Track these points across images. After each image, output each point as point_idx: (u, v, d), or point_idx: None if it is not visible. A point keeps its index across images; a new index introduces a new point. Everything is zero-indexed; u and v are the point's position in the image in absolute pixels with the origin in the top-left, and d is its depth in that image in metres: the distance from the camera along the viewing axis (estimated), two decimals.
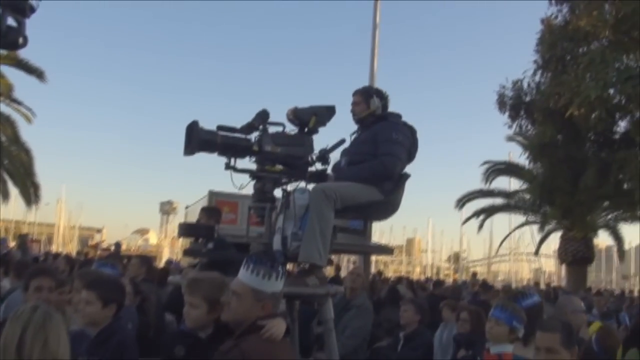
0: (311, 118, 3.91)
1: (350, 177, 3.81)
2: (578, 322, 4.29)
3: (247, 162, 3.85)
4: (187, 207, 15.61)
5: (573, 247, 19.78)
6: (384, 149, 3.82)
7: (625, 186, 15.09)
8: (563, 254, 20.09)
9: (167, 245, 57.06)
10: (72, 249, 41.22)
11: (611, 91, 11.41)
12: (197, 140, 3.54)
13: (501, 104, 15.95)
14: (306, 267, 3.61)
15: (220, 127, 3.73)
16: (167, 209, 70.59)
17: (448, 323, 5.77)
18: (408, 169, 4.03)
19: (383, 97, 4.13)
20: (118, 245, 18.82)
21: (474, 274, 27.18)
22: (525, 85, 15.72)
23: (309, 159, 3.92)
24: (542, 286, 25.10)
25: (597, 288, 22.91)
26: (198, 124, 3.57)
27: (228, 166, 3.71)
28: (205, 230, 4.15)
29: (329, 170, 4.08)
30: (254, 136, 3.81)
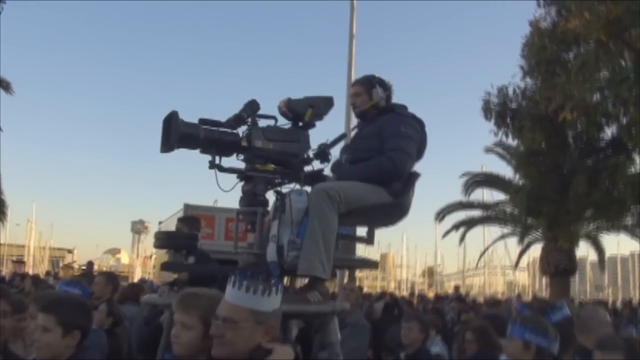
0: (307, 110, 3.44)
1: (354, 176, 3.35)
2: None
3: (235, 160, 3.34)
4: (160, 223, 15.01)
5: (555, 259, 19.49)
6: (392, 144, 3.38)
7: (615, 194, 14.80)
8: (545, 266, 19.79)
9: (139, 265, 55.95)
10: (43, 270, 40.02)
11: (605, 93, 11.10)
12: (177, 134, 3.04)
13: (486, 111, 15.64)
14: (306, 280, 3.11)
15: (202, 121, 3.21)
16: (138, 228, 69.42)
17: None
18: None
19: (387, 87, 3.69)
20: (90, 264, 17.99)
21: (457, 287, 26.83)
22: (511, 91, 15.43)
23: (305, 156, 3.40)
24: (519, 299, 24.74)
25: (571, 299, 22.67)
26: (178, 116, 3.06)
27: (213, 164, 3.21)
28: (187, 239, 3.59)
29: (327, 170, 3.56)
30: (241, 131, 3.30)
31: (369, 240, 3.64)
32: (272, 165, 3.33)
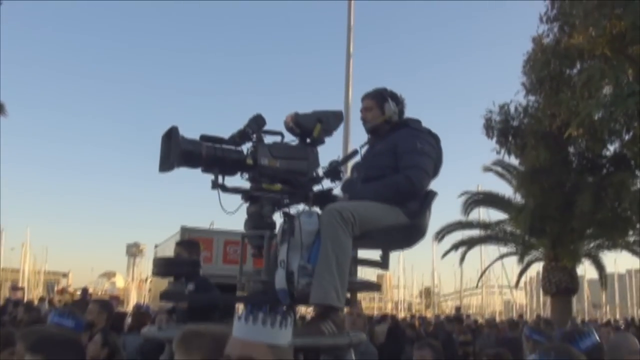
0: (315, 126, 3.18)
1: (369, 195, 3.13)
2: None
3: (238, 180, 3.12)
4: (156, 246, 14.69)
5: (557, 278, 19.33)
6: (407, 161, 3.17)
7: (619, 210, 14.60)
8: (547, 285, 19.59)
9: (134, 289, 55.39)
10: (38, 294, 39.56)
11: (612, 109, 10.95)
12: (178, 151, 2.80)
13: (488, 129, 15.48)
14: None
15: (204, 137, 2.98)
16: (133, 251, 69.01)
17: None
18: None
19: (399, 101, 3.48)
20: (85, 291, 17.49)
21: (458, 308, 26.45)
22: (512, 108, 15.29)
23: (314, 175, 3.16)
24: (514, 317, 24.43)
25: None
26: (178, 132, 2.82)
27: (215, 184, 2.96)
28: (188, 266, 3.32)
29: (337, 189, 3.32)
30: (246, 148, 3.06)
31: (384, 264, 3.39)
32: (280, 185, 3.09)
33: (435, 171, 3.34)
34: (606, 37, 11.30)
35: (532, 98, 14.80)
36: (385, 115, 3.40)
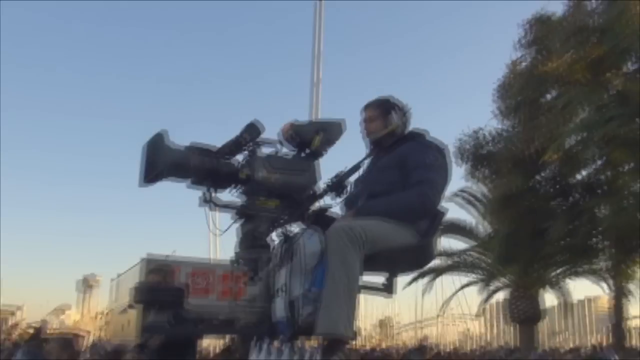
0: (315, 136, 2.84)
1: (379, 212, 2.83)
2: None
3: (229, 195, 2.79)
4: (117, 277, 14.03)
5: (523, 305, 19.30)
6: (418, 177, 2.89)
7: (592, 237, 14.65)
8: (513, 313, 19.53)
9: (87, 323, 53.53)
10: None
11: (591, 133, 11.01)
12: (164, 161, 2.43)
13: (461, 155, 15.42)
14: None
15: (193, 147, 2.63)
16: (87, 284, 66.87)
17: None
18: None
19: (404, 112, 3.16)
20: (40, 327, 16.56)
21: (423, 339, 26.18)
22: (485, 134, 15.29)
23: (314, 190, 2.83)
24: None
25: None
26: (164, 139, 2.45)
27: (205, 200, 2.59)
28: (175, 294, 2.92)
29: (336, 206, 3.00)
30: (237, 159, 2.73)
31: (389, 289, 3.05)
32: (276, 201, 2.75)
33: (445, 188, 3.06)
34: (583, 63, 11.44)
35: (506, 123, 14.86)
36: (390, 127, 3.12)
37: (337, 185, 2.87)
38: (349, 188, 2.94)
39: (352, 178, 3.17)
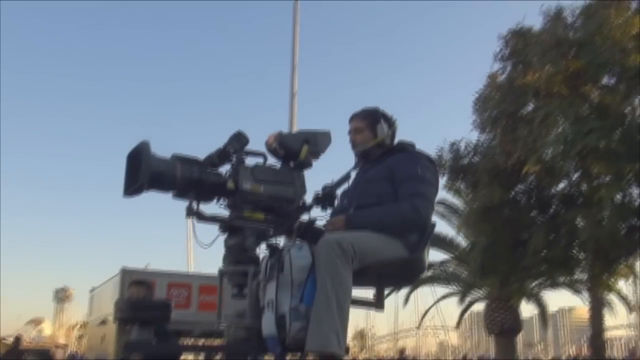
0: (302, 147, 2.78)
1: (371, 221, 2.76)
2: None
3: (214, 207, 2.71)
4: (92, 290, 13.73)
5: (501, 317, 19.26)
6: (410, 189, 2.83)
7: (572, 248, 14.71)
8: (492, 324, 19.48)
9: (62, 336, 52.71)
10: None
11: (571, 146, 11.11)
12: (149, 171, 2.34)
13: (439, 167, 15.38)
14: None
15: (177, 157, 2.55)
16: (61, 296, 65.96)
17: None
18: None
19: (391, 123, 3.11)
20: (17, 339, 16.29)
21: (402, 351, 26.15)
22: (463, 146, 15.32)
23: (301, 202, 2.77)
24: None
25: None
26: (149, 148, 2.37)
27: (191, 212, 2.50)
28: (161, 310, 2.82)
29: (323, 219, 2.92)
30: (223, 170, 2.67)
31: (379, 304, 2.99)
32: (262, 213, 2.67)
33: None
34: (562, 75, 11.54)
35: (485, 136, 14.90)
36: (378, 138, 3.06)
37: (325, 198, 2.80)
38: (336, 200, 2.87)
39: (339, 190, 3.12)
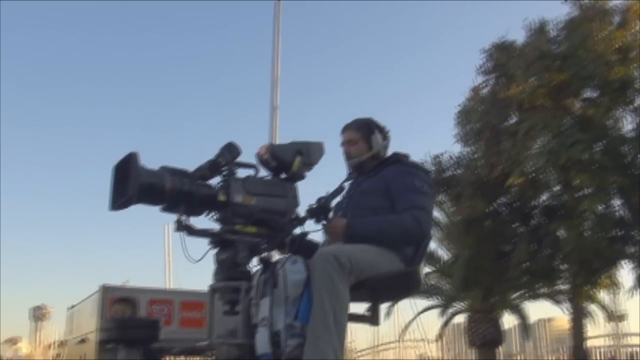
0: (294, 158, 2.69)
1: (371, 230, 2.71)
2: None
3: (204, 220, 2.60)
4: (70, 308, 13.44)
5: (483, 329, 19.24)
6: (409, 202, 2.78)
7: (556, 260, 14.77)
8: (473, 336, 19.46)
9: (39, 355, 51.51)
10: None
11: (555, 158, 11.21)
12: (137, 184, 2.24)
13: None
14: None
15: (166, 169, 2.45)
16: (38, 314, 64.55)
17: None
18: None
19: (386, 135, 3.04)
20: None
21: None
22: (445, 159, 15.36)
23: (294, 215, 2.68)
24: None
25: None
26: (137, 160, 2.27)
27: (181, 226, 2.41)
28: (150, 328, 2.70)
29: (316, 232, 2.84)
30: (213, 182, 2.59)
31: (374, 319, 2.90)
32: (254, 227, 2.57)
33: None
34: (546, 88, 11.66)
35: (468, 148, 14.96)
36: (374, 149, 2.99)
37: (319, 210, 2.71)
38: (331, 212, 2.78)
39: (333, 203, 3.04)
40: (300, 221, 2.73)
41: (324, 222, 2.72)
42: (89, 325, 10.59)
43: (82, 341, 10.84)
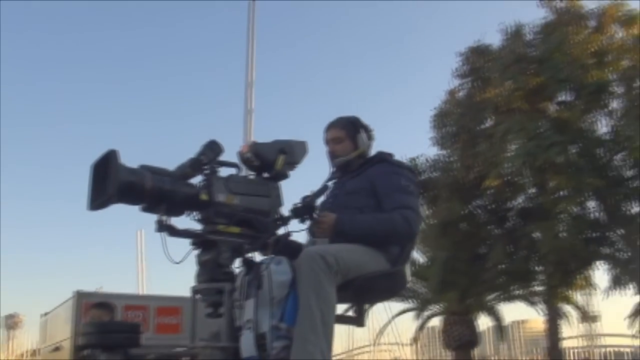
0: (277, 157, 2.63)
1: (362, 227, 2.67)
2: None
3: (185, 220, 2.52)
4: (44, 315, 13.14)
5: (459, 331, 19.31)
6: (397, 201, 2.73)
7: (532, 262, 14.87)
8: (448, 339, 19.53)
9: None
10: None
11: (532, 160, 11.31)
12: (117, 182, 2.16)
13: None
14: None
15: (146, 168, 2.37)
16: (10, 322, 63.44)
17: None
18: None
19: (370, 134, 3.02)
20: None
21: None
22: (421, 162, 15.40)
23: (277, 215, 2.62)
24: None
25: None
26: (117, 157, 2.19)
27: (162, 226, 2.32)
28: (130, 332, 2.61)
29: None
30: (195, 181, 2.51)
31: (359, 320, 2.85)
32: (237, 227, 2.50)
33: None
34: (522, 91, 11.77)
35: (445, 150, 15.02)
36: (360, 148, 2.95)
37: (304, 210, 2.65)
38: (316, 212, 2.72)
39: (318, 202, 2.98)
40: (284, 221, 2.67)
41: (310, 220, 2.67)
42: (64, 332, 10.34)
43: (57, 349, 10.59)
